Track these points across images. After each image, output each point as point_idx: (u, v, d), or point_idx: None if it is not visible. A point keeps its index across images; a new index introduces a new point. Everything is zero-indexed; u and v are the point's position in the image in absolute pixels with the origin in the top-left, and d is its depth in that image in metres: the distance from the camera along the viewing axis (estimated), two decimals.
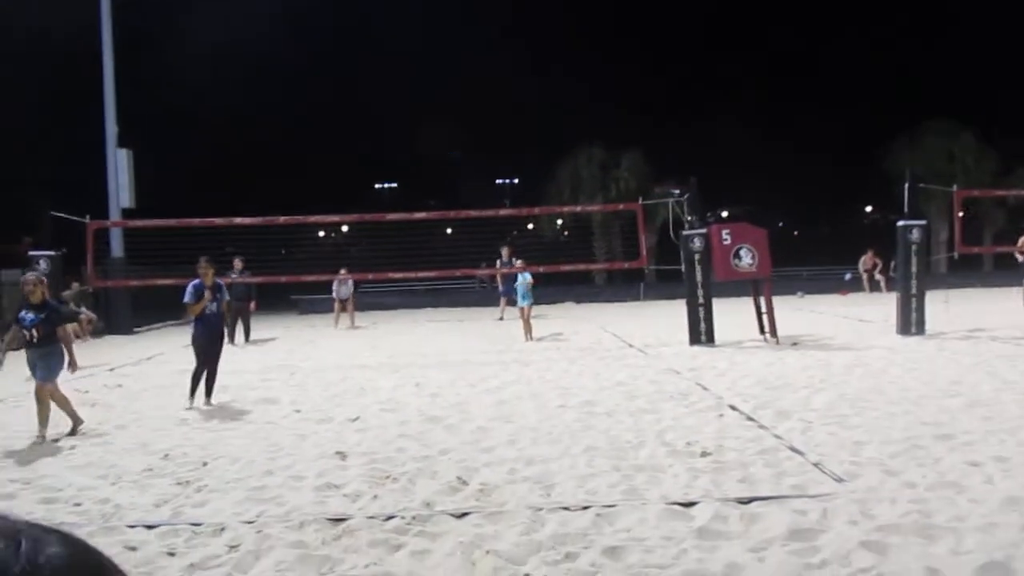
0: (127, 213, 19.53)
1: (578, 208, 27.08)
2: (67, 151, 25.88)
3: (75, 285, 17.97)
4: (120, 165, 19.24)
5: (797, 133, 46.00)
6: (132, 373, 12.52)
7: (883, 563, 4.04)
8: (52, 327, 7.88)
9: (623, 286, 30.86)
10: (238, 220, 14.07)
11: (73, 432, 7.91)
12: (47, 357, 7.85)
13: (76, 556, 0.51)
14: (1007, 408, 7.54)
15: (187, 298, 9.40)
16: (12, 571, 0.47)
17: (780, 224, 49.48)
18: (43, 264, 13.34)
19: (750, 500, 5.07)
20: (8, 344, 8.20)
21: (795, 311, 19.82)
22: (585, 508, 5.05)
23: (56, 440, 7.68)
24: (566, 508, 5.09)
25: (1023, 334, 13.24)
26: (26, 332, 7.79)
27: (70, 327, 16.93)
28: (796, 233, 53.37)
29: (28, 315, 7.82)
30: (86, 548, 0.53)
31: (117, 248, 19.85)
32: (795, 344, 13.08)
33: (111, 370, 12.86)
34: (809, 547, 4.29)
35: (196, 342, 9.58)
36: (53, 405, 7.90)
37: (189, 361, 13.76)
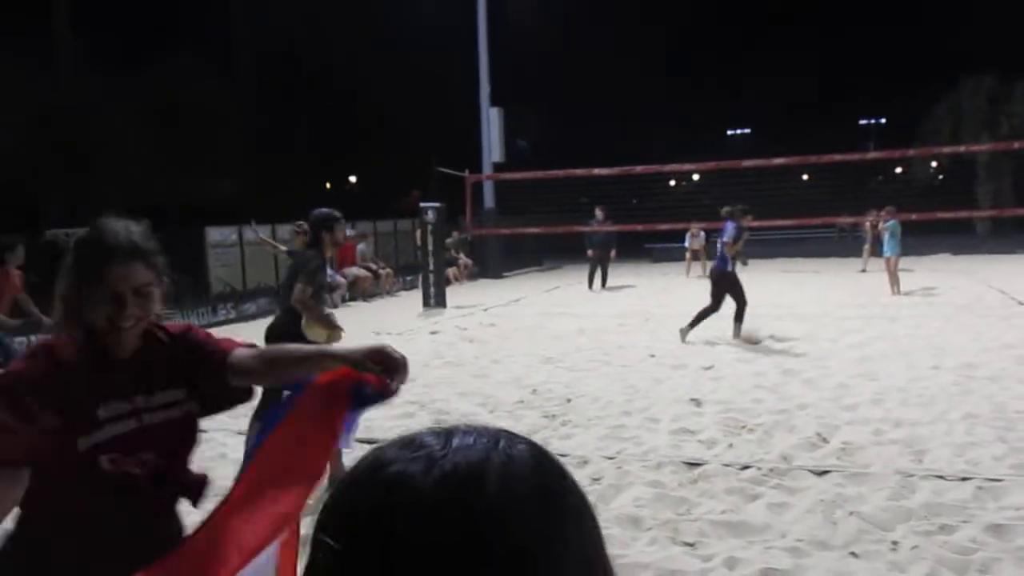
0: (497, 167, 21.28)
1: (961, 148, 24.12)
2: (449, 111, 28.67)
3: (455, 233, 20.04)
4: (492, 123, 20.97)
5: None
6: (503, 314, 13.75)
7: None
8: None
9: (1013, 236, 27.02)
10: (596, 171, 14.67)
11: None
12: None
13: (540, 455, 0.61)
14: None
15: (726, 237, 9.98)
16: (493, 461, 0.58)
17: None
18: (430, 214, 15.06)
19: None
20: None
21: None
22: (964, 479, 4.65)
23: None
24: (941, 477, 4.73)
25: None
26: None
27: (451, 271, 18.89)
28: None
29: None
30: (545, 451, 0.63)
31: (489, 199, 21.74)
32: None
33: (485, 310, 14.22)
34: None
35: (730, 282, 10.05)
36: None
37: (551, 304, 14.81)
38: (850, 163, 15.99)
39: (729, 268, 9.95)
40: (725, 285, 9.95)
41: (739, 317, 9.92)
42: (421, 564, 0.55)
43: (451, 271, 19.17)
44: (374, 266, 17.52)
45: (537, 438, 3.71)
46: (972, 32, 38.16)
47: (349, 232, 18.32)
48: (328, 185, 35.89)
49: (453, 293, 16.16)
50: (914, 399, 6.61)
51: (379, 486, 0.58)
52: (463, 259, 20.67)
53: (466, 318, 13.09)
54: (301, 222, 8.99)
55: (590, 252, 17.30)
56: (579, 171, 14.62)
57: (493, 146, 20.92)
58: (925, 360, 8.21)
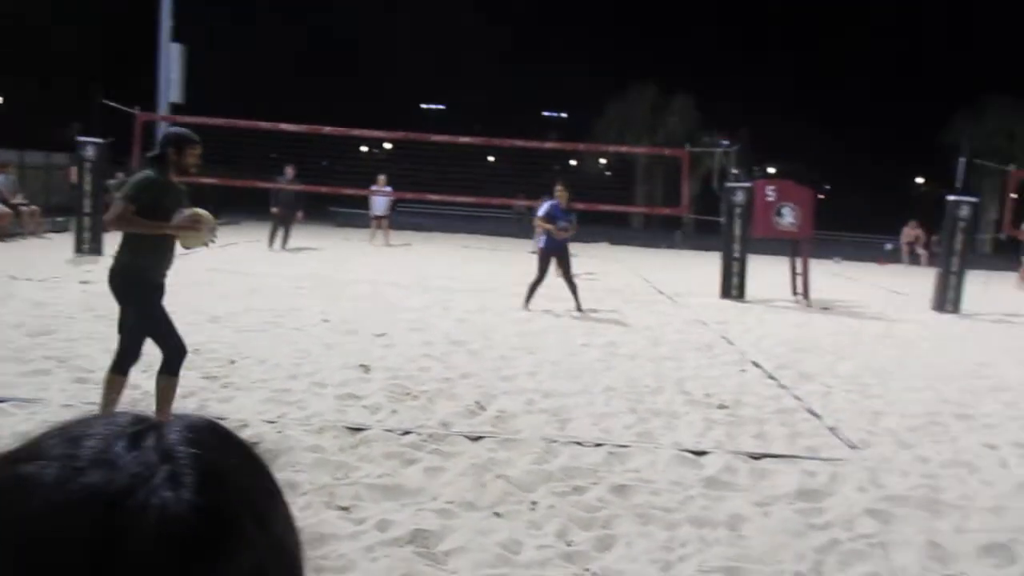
0: (176, 108, 19.61)
1: (623, 148, 26.71)
2: (125, 42, 25.92)
3: (120, 175, 18.20)
4: (172, 59, 19.21)
5: (855, 98, 44.79)
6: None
7: (886, 532, 4.08)
8: None
9: (660, 232, 30.62)
10: (283, 126, 14.10)
11: None
12: None
13: (212, 504, 0.46)
14: None
15: (541, 213, 10.63)
16: (133, 501, 0.44)
17: (828, 187, 48.44)
18: (90, 151, 13.51)
19: (761, 456, 5.12)
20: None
21: (831, 276, 19.58)
22: (598, 445, 5.14)
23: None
24: (579, 443, 5.17)
25: None
26: None
27: None
28: (841, 198, 52.21)
29: None
30: (226, 496, 0.47)
31: None
32: (826, 309, 12.98)
33: None
34: (815, 508, 4.35)
35: (543, 256, 10.73)
36: None
37: (224, 261, 14.05)
38: (530, 150, 16.95)
39: (542, 244, 10.71)
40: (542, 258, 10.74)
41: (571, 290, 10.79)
42: None
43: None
44: (16, 201, 15.38)
45: (195, 400, 3.44)
46: (643, 41, 42.33)
47: None
48: None
49: (113, 240, 14.68)
50: (564, 372, 7.18)
51: (5, 481, 0.46)
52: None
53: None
54: None
55: (274, 210, 16.65)
56: (265, 124, 13.95)
57: (172, 85, 19.22)
58: (578, 338, 8.97)
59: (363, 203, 20.97)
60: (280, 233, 16.78)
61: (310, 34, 38.08)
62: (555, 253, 10.75)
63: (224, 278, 11.84)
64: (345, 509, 4.01)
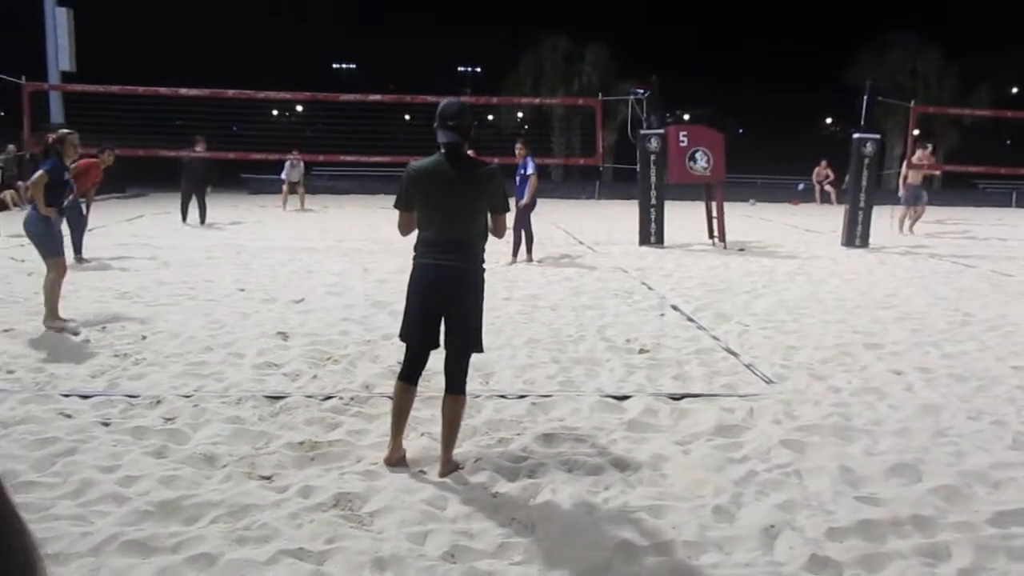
0: (67, 77, 18.62)
1: (536, 100, 26.60)
2: (6, 7, 24.44)
3: (11, 148, 17.32)
4: (59, 24, 18.16)
5: (763, 40, 45.50)
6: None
7: (800, 460, 4.22)
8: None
9: (579, 183, 30.76)
10: (184, 91, 13.54)
11: None
12: None
13: None
14: (935, 322, 7.80)
15: (533, 171, 10.97)
16: None
17: (740, 131, 49.33)
18: None
19: (681, 396, 5.22)
20: None
21: (745, 218, 20.05)
22: (522, 397, 5.16)
23: None
24: (503, 396, 5.19)
25: (961, 252, 13.62)
26: None
27: (7, 194, 16.45)
28: (753, 140, 53.27)
29: None
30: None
31: (56, 113, 19.00)
32: (742, 250, 13.27)
33: None
34: (733, 443, 4.46)
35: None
36: None
37: (131, 235, 13.55)
38: None
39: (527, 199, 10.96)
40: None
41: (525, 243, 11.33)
42: None
43: (8, 194, 16.58)
44: None
45: (104, 379, 3.31)
46: None
47: None
48: None
49: (8, 219, 14.00)
50: (487, 327, 7.07)
51: None
52: (21, 182, 17.96)
53: (24, 248, 11.37)
54: None
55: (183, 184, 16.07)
56: (164, 89, 13.36)
57: (61, 52, 18.22)
58: (500, 292, 8.93)
59: (276, 168, 20.45)
60: (193, 206, 16.16)
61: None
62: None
63: (133, 252, 11.44)
64: (267, 478, 3.94)
